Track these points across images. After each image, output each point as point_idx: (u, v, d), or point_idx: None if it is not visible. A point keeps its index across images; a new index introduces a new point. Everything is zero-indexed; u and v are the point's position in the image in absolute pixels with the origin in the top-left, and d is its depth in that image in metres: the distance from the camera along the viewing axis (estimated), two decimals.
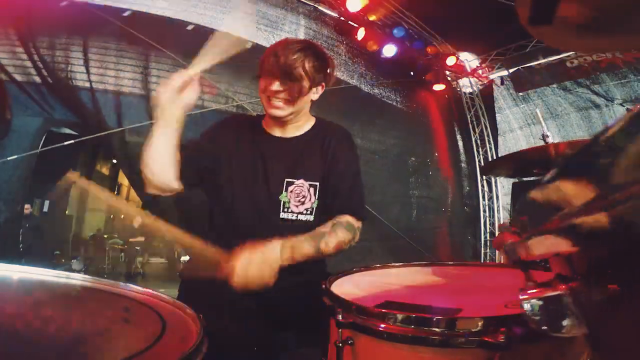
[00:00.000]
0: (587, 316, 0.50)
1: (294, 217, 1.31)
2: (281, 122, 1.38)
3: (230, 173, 1.35)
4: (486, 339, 0.76)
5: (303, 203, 1.31)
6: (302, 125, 1.42)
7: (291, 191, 1.31)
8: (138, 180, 1.30)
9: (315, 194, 1.33)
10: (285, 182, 1.31)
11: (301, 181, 1.32)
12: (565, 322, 0.52)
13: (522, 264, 0.57)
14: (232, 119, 1.60)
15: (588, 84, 5.47)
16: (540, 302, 0.53)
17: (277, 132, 1.42)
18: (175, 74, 1.21)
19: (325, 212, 1.33)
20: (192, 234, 1.14)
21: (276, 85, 1.28)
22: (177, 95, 1.20)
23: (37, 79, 3.86)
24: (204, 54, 1.22)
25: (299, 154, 1.37)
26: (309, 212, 1.32)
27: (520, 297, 0.55)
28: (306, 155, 1.37)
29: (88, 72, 4.02)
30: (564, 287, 0.52)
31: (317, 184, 1.33)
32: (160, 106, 1.21)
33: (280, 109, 1.31)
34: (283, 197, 1.31)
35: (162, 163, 1.25)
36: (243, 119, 1.58)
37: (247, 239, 1.16)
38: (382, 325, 0.85)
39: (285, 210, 1.30)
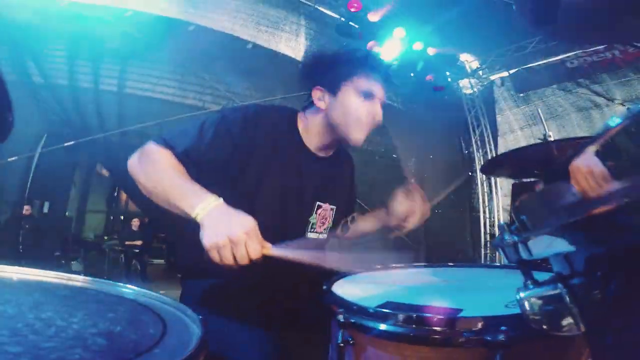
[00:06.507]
0: (587, 315, 0.50)
1: (316, 237, 1.35)
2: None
3: (261, 182, 1.21)
4: (487, 338, 0.76)
5: (324, 224, 1.38)
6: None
7: (319, 213, 1.35)
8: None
9: (332, 216, 1.39)
10: (316, 205, 1.34)
11: (327, 204, 1.36)
12: (564, 321, 0.52)
13: (522, 264, 0.57)
14: (270, 115, 1.29)
15: (588, 84, 5.45)
16: (540, 302, 0.53)
17: (312, 146, 1.32)
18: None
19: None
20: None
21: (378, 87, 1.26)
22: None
23: (37, 80, 3.87)
24: None
25: (328, 176, 1.36)
26: (326, 231, 1.39)
27: (520, 297, 0.55)
28: (333, 179, 1.39)
29: (89, 74, 4.03)
30: (563, 286, 0.52)
31: (336, 207, 1.39)
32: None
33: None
34: (312, 219, 1.34)
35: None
36: (278, 118, 1.29)
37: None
38: (384, 325, 0.85)
39: (312, 230, 1.34)
